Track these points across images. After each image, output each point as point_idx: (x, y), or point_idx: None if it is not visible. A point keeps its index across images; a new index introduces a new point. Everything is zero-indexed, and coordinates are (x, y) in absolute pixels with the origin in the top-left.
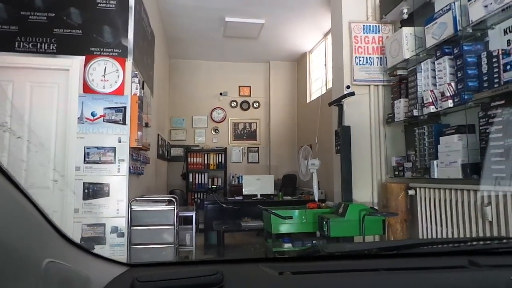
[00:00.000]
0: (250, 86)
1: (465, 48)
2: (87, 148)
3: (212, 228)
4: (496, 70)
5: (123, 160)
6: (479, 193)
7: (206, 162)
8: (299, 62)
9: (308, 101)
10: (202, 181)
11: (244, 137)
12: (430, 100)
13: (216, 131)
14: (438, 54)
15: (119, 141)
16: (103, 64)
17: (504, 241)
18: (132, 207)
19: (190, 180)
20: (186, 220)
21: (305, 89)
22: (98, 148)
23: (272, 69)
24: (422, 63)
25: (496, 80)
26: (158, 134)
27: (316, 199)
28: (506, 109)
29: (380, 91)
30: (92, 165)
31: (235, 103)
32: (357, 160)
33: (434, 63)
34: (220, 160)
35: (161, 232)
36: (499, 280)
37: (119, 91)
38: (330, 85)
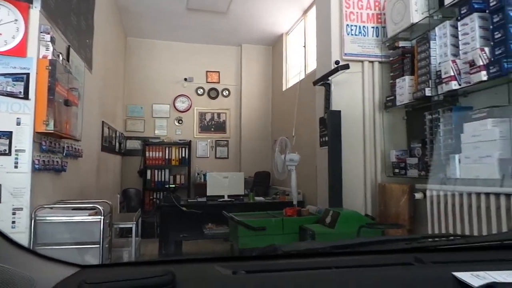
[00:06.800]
0: (219, 72)
1: None
2: None
3: (168, 237)
4: None
5: (24, 151)
6: None
7: (167, 156)
8: (274, 47)
9: (284, 89)
10: (163, 179)
11: (212, 129)
12: (452, 74)
13: (180, 121)
14: (463, 12)
15: (18, 124)
16: None
17: (451, 238)
18: (37, 218)
19: (149, 177)
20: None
21: (281, 76)
22: None
23: (244, 53)
24: (437, 28)
25: None
26: (104, 122)
27: (295, 202)
28: None
29: (377, 69)
30: None
31: (201, 90)
32: (347, 155)
33: (454, 26)
34: (183, 155)
35: (82, 253)
36: (439, 276)
37: (19, 51)
38: (310, 69)
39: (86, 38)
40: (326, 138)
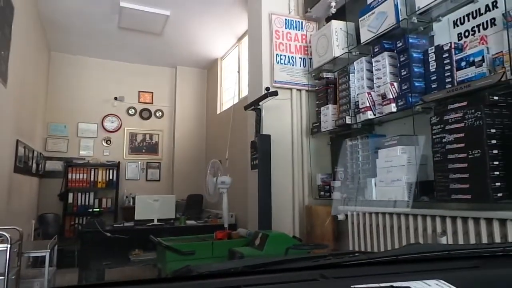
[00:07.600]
0: (152, 93)
1: (411, 40)
2: None
3: (89, 265)
4: (447, 67)
5: None
6: (430, 219)
7: (93, 179)
8: (209, 70)
9: (218, 112)
10: (87, 202)
11: (143, 150)
12: (368, 105)
13: (108, 142)
14: (376, 50)
15: None
16: None
17: (356, 254)
18: None
19: (70, 201)
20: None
21: (216, 99)
22: None
23: (179, 75)
24: (355, 62)
25: (448, 80)
26: (18, 141)
27: (226, 225)
28: (470, 112)
29: (304, 97)
30: None
31: (133, 110)
32: (276, 178)
33: (370, 62)
34: (111, 177)
35: None
36: None
37: None
38: (243, 94)
39: (1, 49)
40: (257, 161)
